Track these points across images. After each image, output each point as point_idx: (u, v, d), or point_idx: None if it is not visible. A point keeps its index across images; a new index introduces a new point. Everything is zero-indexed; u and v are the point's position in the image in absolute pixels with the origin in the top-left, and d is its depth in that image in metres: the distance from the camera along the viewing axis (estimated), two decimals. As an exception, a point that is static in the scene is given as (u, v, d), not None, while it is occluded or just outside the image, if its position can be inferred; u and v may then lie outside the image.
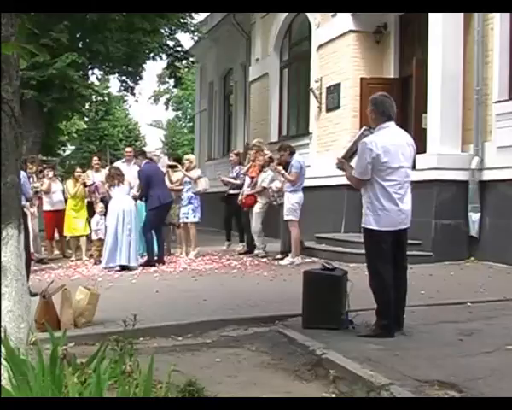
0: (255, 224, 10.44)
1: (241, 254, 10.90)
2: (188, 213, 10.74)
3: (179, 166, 11.26)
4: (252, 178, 10.77)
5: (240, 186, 11.23)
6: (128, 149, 12.25)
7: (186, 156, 11.75)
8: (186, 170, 10.93)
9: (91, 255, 10.86)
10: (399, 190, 4.86)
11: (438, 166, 9.14)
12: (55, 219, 11.51)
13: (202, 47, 20.32)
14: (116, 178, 9.73)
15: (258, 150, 11.04)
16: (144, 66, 16.07)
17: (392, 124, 4.95)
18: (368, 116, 5.09)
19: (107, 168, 10.84)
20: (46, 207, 11.54)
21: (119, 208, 9.50)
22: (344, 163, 5.06)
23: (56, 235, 11.75)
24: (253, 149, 11.22)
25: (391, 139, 4.87)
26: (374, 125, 4.98)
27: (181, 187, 10.95)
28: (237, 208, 11.10)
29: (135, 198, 9.96)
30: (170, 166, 11.65)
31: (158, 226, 10.18)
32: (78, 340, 4.89)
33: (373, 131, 4.99)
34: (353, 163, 5.10)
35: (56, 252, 11.90)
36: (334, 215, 11.42)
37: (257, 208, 10.47)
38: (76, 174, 11.73)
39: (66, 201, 11.65)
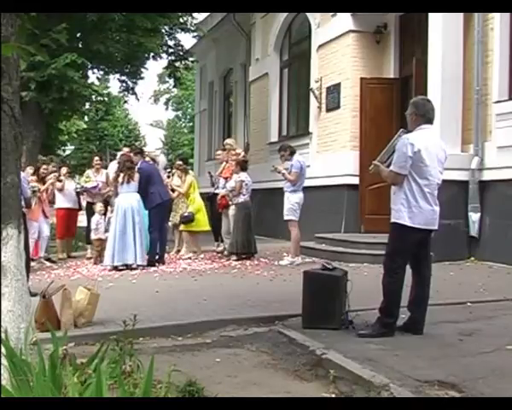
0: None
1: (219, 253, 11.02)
2: None
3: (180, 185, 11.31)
4: (225, 178, 10.70)
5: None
6: (125, 149, 12.28)
7: (175, 176, 11.59)
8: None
9: (90, 257, 10.85)
10: (434, 191, 4.95)
11: (438, 166, 9.15)
12: (68, 216, 11.48)
13: (202, 47, 20.33)
14: (128, 173, 9.38)
15: (230, 149, 10.94)
16: (144, 66, 16.09)
17: (431, 127, 5.05)
18: (407, 118, 5.13)
19: (118, 157, 10.53)
20: (59, 204, 11.44)
21: (128, 205, 9.20)
22: (379, 166, 5.08)
23: None
24: (225, 149, 11.11)
25: (430, 140, 4.96)
26: (413, 127, 5.04)
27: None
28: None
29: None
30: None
31: (161, 225, 10.20)
32: (78, 340, 4.90)
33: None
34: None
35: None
36: (334, 215, 11.41)
37: (233, 212, 10.36)
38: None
39: None
